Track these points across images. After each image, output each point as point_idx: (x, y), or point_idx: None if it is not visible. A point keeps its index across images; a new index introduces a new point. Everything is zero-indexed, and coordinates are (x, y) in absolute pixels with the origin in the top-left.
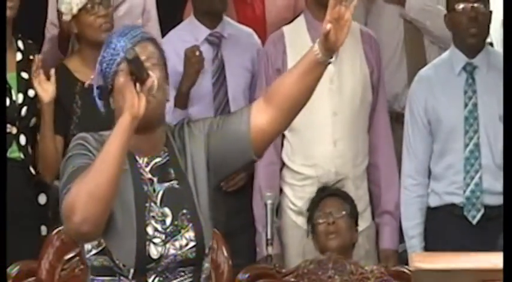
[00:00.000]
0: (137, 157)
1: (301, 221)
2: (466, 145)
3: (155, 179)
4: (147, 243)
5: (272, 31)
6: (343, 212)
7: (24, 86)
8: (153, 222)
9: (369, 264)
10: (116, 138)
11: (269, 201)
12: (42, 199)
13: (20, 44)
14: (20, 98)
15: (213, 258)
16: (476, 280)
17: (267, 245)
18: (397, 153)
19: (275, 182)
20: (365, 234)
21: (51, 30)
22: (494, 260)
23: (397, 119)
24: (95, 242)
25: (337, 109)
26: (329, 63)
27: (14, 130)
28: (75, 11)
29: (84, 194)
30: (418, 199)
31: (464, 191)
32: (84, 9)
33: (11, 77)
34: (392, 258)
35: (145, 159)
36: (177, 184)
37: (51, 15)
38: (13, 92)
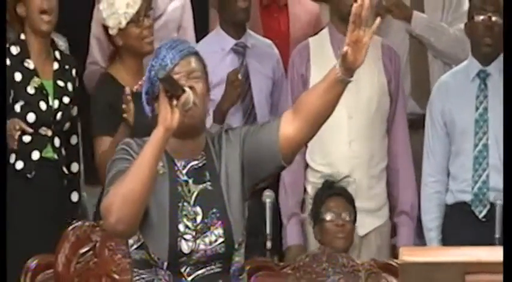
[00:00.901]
0: (176, 160)
1: None
2: (476, 145)
3: (190, 181)
4: (179, 239)
5: (295, 44)
6: (350, 215)
7: (60, 93)
8: (185, 220)
9: (353, 258)
10: (150, 147)
11: (268, 200)
12: (74, 197)
13: (57, 54)
14: (56, 103)
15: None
16: (460, 272)
17: (266, 240)
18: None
19: (299, 179)
20: (378, 231)
21: (95, 46)
22: (477, 254)
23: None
24: (136, 238)
25: (352, 113)
26: (349, 82)
27: (49, 133)
28: (123, 24)
29: (119, 197)
30: (436, 195)
31: (472, 188)
32: (131, 21)
33: (47, 84)
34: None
35: (183, 162)
36: (210, 186)
37: (96, 30)
38: (50, 98)
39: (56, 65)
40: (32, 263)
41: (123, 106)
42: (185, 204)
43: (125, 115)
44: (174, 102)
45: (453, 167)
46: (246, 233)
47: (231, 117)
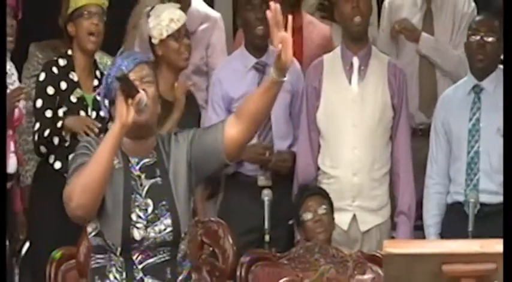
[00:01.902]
0: (130, 157)
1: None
2: (468, 152)
3: (143, 176)
4: (131, 227)
5: (307, 63)
6: (325, 208)
7: (98, 106)
8: (137, 210)
9: (341, 250)
10: (107, 141)
11: (266, 198)
12: None
13: (98, 73)
14: (94, 114)
15: (220, 244)
16: (437, 263)
17: (264, 234)
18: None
19: (310, 180)
20: (379, 228)
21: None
22: (453, 246)
23: (413, 133)
24: (94, 225)
25: (356, 122)
26: (283, 81)
27: None
28: (164, 36)
29: (79, 186)
30: (436, 195)
31: (465, 190)
32: (171, 36)
33: (88, 97)
34: None
35: (136, 159)
36: (161, 181)
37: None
38: (89, 109)
39: (96, 82)
40: (57, 253)
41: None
42: (137, 196)
43: None
44: (130, 101)
45: (451, 171)
46: (191, 223)
47: None
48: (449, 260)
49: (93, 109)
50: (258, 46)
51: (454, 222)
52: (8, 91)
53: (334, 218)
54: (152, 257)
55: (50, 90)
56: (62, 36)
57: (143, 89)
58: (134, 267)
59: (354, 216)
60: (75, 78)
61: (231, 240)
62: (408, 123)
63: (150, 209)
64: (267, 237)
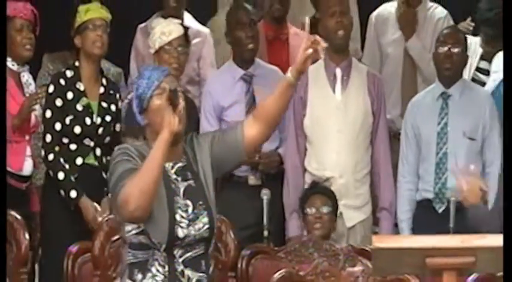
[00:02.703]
0: (166, 163)
1: None
2: (437, 153)
3: (179, 179)
4: (176, 226)
5: None
6: (328, 208)
7: (103, 112)
8: (179, 211)
9: (334, 244)
10: (159, 148)
11: (265, 197)
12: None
13: (104, 81)
14: (99, 120)
15: (222, 239)
16: (422, 256)
17: (263, 229)
18: (394, 163)
19: (299, 181)
20: (362, 224)
21: (134, 67)
22: (436, 241)
23: (394, 136)
24: (134, 225)
25: (341, 128)
26: (296, 84)
27: (92, 144)
28: (157, 46)
29: (136, 189)
30: (407, 192)
31: (434, 188)
32: (163, 47)
33: (93, 104)
34: None
35: (171, 164)
36: (193, 183)
37: (134, 54)
38: (94, 116)
39: (102, 89)
40: (74, 248)
41: None
42: (178, 198)
43: None
44: (173, 111)
45: (420, 170)
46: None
47: None
48: (433, 254)
49: (98, 115)
50: (247, 60)
51: (424, 217)
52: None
53: (336, 219)
54: (190, 251)
55: (59, 102)
56: (70, 48)
57: None
58: (175, 260)
59: (341, 213)
60: (82, 88)
61: (232, 236)
62: (386, 127)
63: (190, 209)
64: (265, 233)
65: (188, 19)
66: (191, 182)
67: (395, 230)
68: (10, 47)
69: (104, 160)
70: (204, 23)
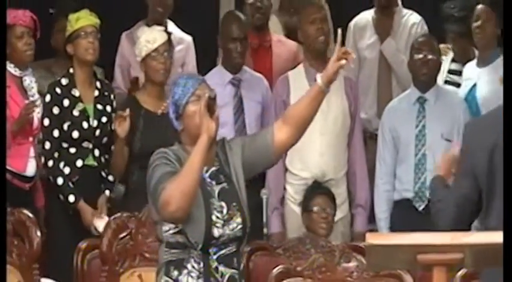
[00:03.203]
0: None
1: (297, 209)
2: (416, 155)
3: (213, 182)
4: (212, 227)
5: (277, 76)
6: (331, 210)
7: (99, 114)
8: (215, 212)
9: (330, 241)
10: (198, 151)
11: (264, 196)
12: (110, 178)
13: (98, 84)
14: (95, 123)
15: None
16: (413, 252)
17: (263, 227)
18: (370, 162)
19: (280, 181)
20: (342, 221)
21: (118, 74)
22: (426, 238)
23: (370, 137)
24: (172, 225)
25: (323, 131)
26: (328, 91)
27: (90, 146)
28: (143, 55)
29: (178, 191)
30: (385, 193)
31: (414, 188)
32: (149, 55)
33: (89, 108)
34: (363, 238)
35: (206, 168)
36: (227, 185)
37: (119, 61)
38: (90, 119)
39: (96, 92)
40: (83, 244)
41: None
42: (213, 200)
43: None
44: (210, 116)
45: (399, 171)
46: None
47: (226, 135)
48: (424, 250)
49: (94, 118)
50: (236, 67)
51: (404, 216)
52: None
53: (334, 220)
54: (224, 249)
55: (56, 110)
56: (54, 56)
57: None
58: (210, 258)
59: None
60: (77, 94)
61: None
62: (361, 128)
63: (225, 211)
64: (265, 230)
65: (171, 26)
66: (224, 184)
67: (369, 225)
68: (11, 53)
69: (103, 160)
70: (207, 28)
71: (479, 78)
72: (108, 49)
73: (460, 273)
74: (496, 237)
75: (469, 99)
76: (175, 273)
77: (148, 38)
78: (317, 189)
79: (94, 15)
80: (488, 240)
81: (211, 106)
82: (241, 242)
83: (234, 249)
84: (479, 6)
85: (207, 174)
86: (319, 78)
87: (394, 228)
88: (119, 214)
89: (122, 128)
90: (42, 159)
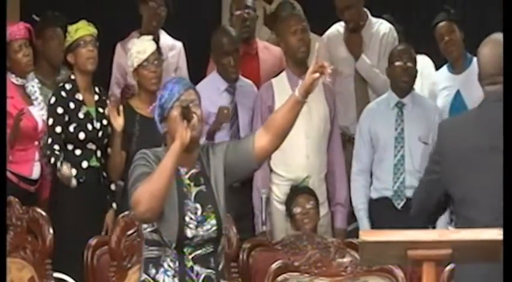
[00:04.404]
0: (180, 168)
1: (283, 208)
2: (395, 156)
3: (192, 184)
4: (185, 227)
5: (264, 81)
6: (312, 203)
7: (101, 117)
8: (189, 213)
9: (325, 238)
10: (170, 157)
11: (264, 196)
12: (113, 187)
13: (97, 89)
14: (98, 125)
15: (226, 234)
16: (404, 248)
17: (262, 224)
18: (348, 163)
19: (266, 182)
20: (324, 218)
21: (113, 83)
22: (416, 235)
23: (349, 140)
24: (150, 224)
25: (308, 134)
26: (305, 102)
27: (94, 147)
28: (135, 65)
29: (147, 193)
30: (362, 188)
31: (393, 187)
32: (141, 65)
33: (92, 111)
34: (343, 234)
35: (185, 170)
36: (205, 188)
37: (115, 71)
38: (94, 121)
39: (96, 97)
40: (93, 241)
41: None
42: (188, 201)
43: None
44: (186, 123)
45: (377, 171)
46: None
47: (222, 139)
48: (413, 246)
49: (97, 120)
50: (231, 78)
51: (384, 214)
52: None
53: (319, 212)
54: (199, 250)
55: (60, 110)
56: (36, 64)
57: (194, 112)
58: (185, 257)
59: None
60: (81, 98)
61: (235, 230)
62: (339, 131)
63: (199, 212)
64: (264, 228)
65: (162, 34)
66: (203, 187)
67: (348, 221)
68: (12, 65)
69: (103, 161)
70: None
71: (461, 85)
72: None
73: (448, 268)
74: (483, 234)
75: (457, 104)
76: (153, 271)
77: (139, 48)
78: (295, 192)
79: (92, 25)
80: (475, 237)
81: (185, 114)
82: (218, 243)
83: (211, 250)
84: (440, 25)
85: (187, 176)
86: (297, 89)
87: (374, 225)
88: (127, 212)
89: (117, 122)
90: (46, 154)
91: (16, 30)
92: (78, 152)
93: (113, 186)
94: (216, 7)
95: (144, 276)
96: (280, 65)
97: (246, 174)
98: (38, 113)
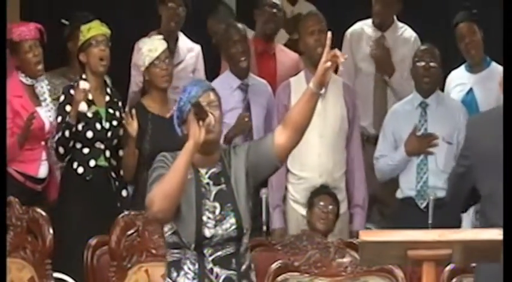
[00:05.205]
0: (200, 169)
1: (297, 207)
2: (418, 156)
3: (211, 183)
4: (203, 227)
5: (280, 82)
6: (333, 208)
7: (110, 117)
8: (207, 213)
9: (341, 238)
10: (183, 156)
11: (264, 196)
12: (124, 193)
13: (109, 90)
14: (107, 125)
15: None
16: (404, 248)
17: (262, 225)
18: (366, 163)
19: (282, 181)
20: (340, 218)
21: (133, 81)
22: (416, 235)
23: (367, 140)
24: (169, 226)
25: (322, 133)
26: (320, 94)
27: (102, 146)
28: (146, 64)
29: (160, 193)
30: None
31: (416, 186)
32: (152, 63)
33: (102, 111)
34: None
35: (205, 170)
36: (225, 187)
37: (133, 69)
38: (103, 121)
39: (107, 98)
40: (93, 241)
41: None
42: (207, 201)
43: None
44: (201, 123)
45: (402, 171)
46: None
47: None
48: (413, 246)
49: (106, 121)
50: (242, 72)
51: (408, 213)
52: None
53: (337, 218)
54: (220, 251)
55: (68, 108)
56: (67, 64)
57: (210, 113)
58: (205, 259)
59: None
60: (90, 97)
61: None
62: (359, 132)
63: (217, 211)
64: (264, 228)
65: (181, 36)
66: (223, 186)
67: (367, 225)
68: (22, 65)
69: (112, 161)
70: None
71: (475, 84)
72: (118, 59)
73: (448, 268)
74: (483, 234)
75: (468, 100)
76: (175, 274)
77: (150, 47)
78: (323, 190)
79: (105, 25)
80: (475, 237)
81: (198, 113)
82: (239, 243)
83: (232, 251)
84: (461, 25)
85: (206, 176)
86: (311, 81)
87: (399, 225)
88: (126, 212)
89: (131, 127)
90: (54, 147)
91: (26, 30)
92: (86, 150)
93: (124, 193)
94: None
95: (168, 280)
96: (297, 68)
97: (270, 173)
98: (46, 114)
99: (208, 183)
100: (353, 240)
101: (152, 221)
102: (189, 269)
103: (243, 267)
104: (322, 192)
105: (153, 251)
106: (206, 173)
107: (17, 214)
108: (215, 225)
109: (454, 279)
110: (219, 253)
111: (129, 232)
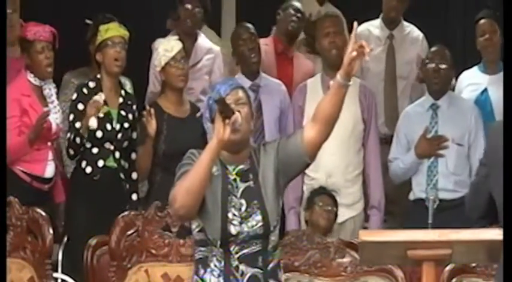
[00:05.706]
0: (227, 165)
1: None
2: (429, 158)
3: (238, 179)
4: (228, 224)
5: (297, 84)
6: (333, 208)
7: (121, 119)
8: (233, 209)
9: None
10: (206, 154)
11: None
12: (134, 197)
13: (123, 92)
14: (118, 126)
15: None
16: (403, 248)
17: None
18: (382, 163)
19: (297, 183)
20: (353, 219)
21: (151, 81)
22: (416, 235)
23: (380, 139)
24: (197, 223)
25: (334, 133)
26: (349, 85)
27: (112, 147)
28: (162, 64)
29: (183, 189)
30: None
31: (426, 188)
32: (168, 63)
33: (113, 112)
34: None
35: (233, 166)
36: (253, 184)
37: (152, 70)
38: (114, 122)
39: (121, 99)
40: (93, 241)
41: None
42: (233, 197)
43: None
44: (227, 121)
45: (415, 173)
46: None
47: None
48: (413, 246)
49: (117, 122)
50: (253, 72)
51: (418, 215)
52: (45, 109)
53: (335, 220)
54: (246, 248)
55: (80, 106)
56: (89, 64)
57: (238, 111)
58: (231, 256)
59: None
60: (103, 97)
61: None
62: (377, 133)
63: (243, 208)
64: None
65: (201, 38)
66: (251, 183)
67: (384, 225)
68: (32, 65)
69: (122, 162)
70: None
71: (490, 84)
72: (138, 61)
73: (447, 268)
74: (483, 234)
75: (482, 100)
76: (202, 271)
77: (166, 47)
78: (323, 190)
79: (123, 27)
80: (475, 237)
81: (223, 110)
82: (267, 241)
83: (259, 248)
84: (483, 21)
85: (234, 172)
86: (338, 73)
87: (410, 225)
88: (126, 212)
89: (151, 126)
90: (66, 146)
91: (41, 30)
92: (95, 150)
93: (134, 196)
94: None
95: (195, 277)
96: (310, 74)
97: (301, 169)
98: (53, 116)
99: (235, 180)
100: (353, 240)
101: (175, 218)
102: (215, 266)
103: (271, 265)
104: (323, 192)
105: (153, 251)
106: (234, 169)
107: (17, 214)
108: (241, 223)
109: (454, 279)
110: (245, 250)
111: (129, 232)
